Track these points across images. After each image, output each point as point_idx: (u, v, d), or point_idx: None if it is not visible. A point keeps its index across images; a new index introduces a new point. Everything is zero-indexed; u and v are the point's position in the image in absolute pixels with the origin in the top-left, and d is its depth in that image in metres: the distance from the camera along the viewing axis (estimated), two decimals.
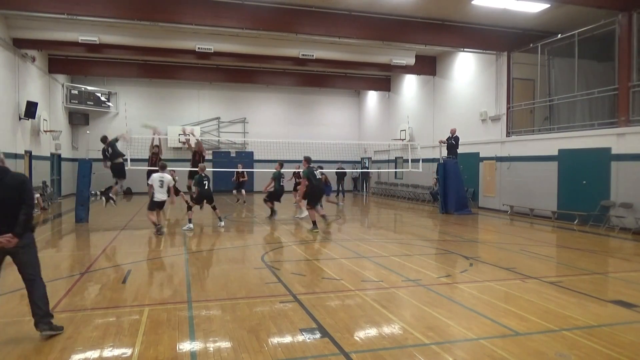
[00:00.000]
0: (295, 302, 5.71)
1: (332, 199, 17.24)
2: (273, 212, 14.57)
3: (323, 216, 12.29)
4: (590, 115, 14.35)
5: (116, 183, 13.40)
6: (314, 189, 12.30)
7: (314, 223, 11.99)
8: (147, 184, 11.82)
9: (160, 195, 11.36)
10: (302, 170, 13.18)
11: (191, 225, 12.06)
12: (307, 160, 12.71)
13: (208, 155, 25.52)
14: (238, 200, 19.89)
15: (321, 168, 15.65)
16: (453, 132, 16.91)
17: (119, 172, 13.28)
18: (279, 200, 14.51)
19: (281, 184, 14.10)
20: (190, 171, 15.68)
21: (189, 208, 12.49)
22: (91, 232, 12.04)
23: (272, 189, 14.57)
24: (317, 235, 11.41)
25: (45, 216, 15.29)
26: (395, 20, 15.60)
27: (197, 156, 15.21)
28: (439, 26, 16.05)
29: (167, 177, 11.46)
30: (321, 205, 12.65)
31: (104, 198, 12.08)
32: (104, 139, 13.47)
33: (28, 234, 4.61)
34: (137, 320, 5.07)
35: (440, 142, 17.45)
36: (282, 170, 14.23)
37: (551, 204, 14.67)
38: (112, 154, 13.21)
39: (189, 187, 17.34)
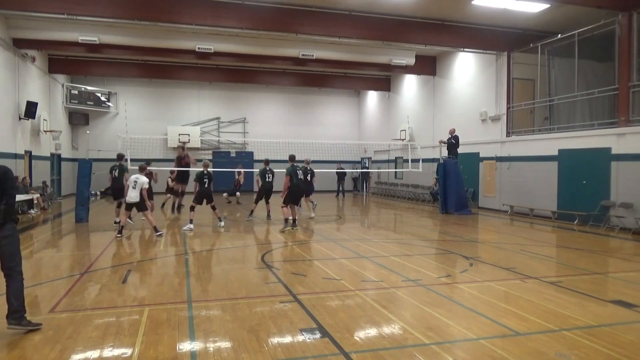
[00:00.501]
0: (295, 302, 5.71)
1: (309, 199, 17.10)
2: (268, 215, 14.32)
3: (294, 220, 12.13)
4: (590, 115, 14.34)
5: (119, 206, 12.87)
6: (293, 188, 12.28)
7: (286, 221, 12.05)
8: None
9: (132, 195, 11.09)
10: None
11: (191, 226, 12.04)
12: (291, 158, 12.72)
13: (208, 155, 25.66)
14: (230, 202, 19.84)
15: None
16: (452, 132, 16.92)
17: (120, 193, 12.84)
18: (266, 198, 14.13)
19: (267, 179, 13.90)
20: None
21: (192, 208, 12.43)
22: (91, 232, 12.04)
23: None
24: (289, 234, 11.47)
25: (45, 216, 15.28)
26: (395, 20, 15.60)
27: (185, 159, 15.17)
28: (439, 26, 16.05)
29: (141, 179, 11.17)
30: (299, 206, 12.67)
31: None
32: (120, 157, 13.16)
33: (10, 225, 4.66)
34: (137, 320, 5.07)
35: (441, 142, 17.45)
36: (268, 167, 14.08)
37: (551, 204, 14.67)
38: (116, 177, 13.08)
39: (174, 180, 17.16)
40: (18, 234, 4.82)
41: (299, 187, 12.48)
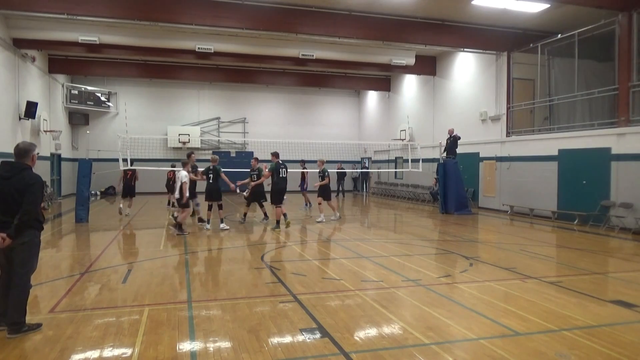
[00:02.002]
0: (295, 302, 5.71)
1: (305, 196, 17.06)
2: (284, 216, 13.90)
3: (284, 214, 12.23)
4: (590, 115, 14.34)
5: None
6: (274, 186, 12.19)
7: (277, 222, 12.10)
8: None
9: (177, 192, 11.27)
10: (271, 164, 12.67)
11: (223, 225, 11.99)
12: (275, 155, 12.48)
13: (208, 155, 25.63)
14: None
15: (303, 165, 15.54)
16: (451, 132, 16.94)
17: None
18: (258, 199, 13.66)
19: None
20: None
21: (220, 207, 12.31)
22: (91, 232, 12.04)
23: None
24: (279, 233, 11.50)
25: (45, 216, 15.20)
26: (395, 20, 15.59)
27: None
28: (439, 26, 16.05)
29: (180, 173, 11.23)
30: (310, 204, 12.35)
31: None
32: (189, 154, 13.02)
33: (30, 232, 4.55)
34: (137, 320, 5.07)
35: (442, 144, 17.44)
36: (258, 165, 13.96)
37: (551, 204, 14.67)
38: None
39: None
40: (38, 242, 4.69)
41: (280, 187, 12.28)
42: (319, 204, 14.17)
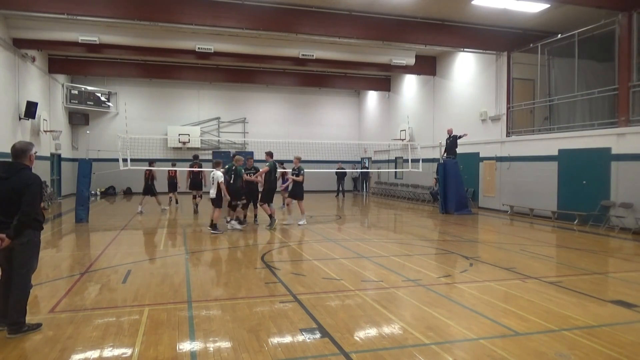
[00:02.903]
0: (295, 302, 5.71)
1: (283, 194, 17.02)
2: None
3: (270, 216, 12.43)
4: (590, 115, 14.34)
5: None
6: (268, 185, 12.43)
7: (270, 217, 12.29)
8: None
9: (211, 192, 11.50)
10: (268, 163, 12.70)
11: (233, 223, 12.08)
12: (270, 154, 12.78)
13: (208, 155, 25.63)
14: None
15: (282, 165, 15.58)
16: (450, 132, 16.96)
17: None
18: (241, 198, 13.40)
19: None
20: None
21: (234, 207, 12.28)
22: (91, 232, 12.04)
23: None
24: (275, 227, 11.90)
25: (45, 216, 15.22)
26: (395, 20, 15.60)
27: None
28: (439, 26, 16.05)
29: (216, 173, 11.48)
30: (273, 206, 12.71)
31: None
32: (234, 155, 13.12)
33: (29, 232, 4.53)
34: (137, 320, 5.07)
35: (442, 143, 17.45)
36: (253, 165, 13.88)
37: (551, 204, 14.67)
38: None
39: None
40: (38, 242, 4.68)
41: (273, 185, 12.66)
42: (287, 204, 13.85)
